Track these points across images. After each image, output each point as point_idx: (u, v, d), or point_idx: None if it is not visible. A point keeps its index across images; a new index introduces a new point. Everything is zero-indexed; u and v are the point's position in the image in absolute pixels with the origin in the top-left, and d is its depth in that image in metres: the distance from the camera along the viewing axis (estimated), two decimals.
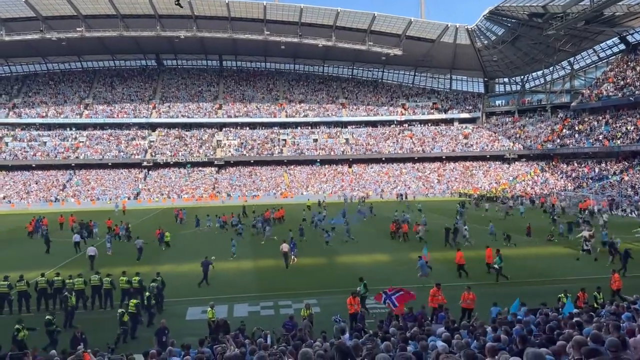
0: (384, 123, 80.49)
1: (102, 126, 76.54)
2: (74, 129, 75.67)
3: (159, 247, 30.48)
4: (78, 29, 65.29)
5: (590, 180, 55.34)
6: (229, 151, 73.86)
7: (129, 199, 63.57)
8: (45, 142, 72.55)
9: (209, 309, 15.39)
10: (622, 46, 65.48)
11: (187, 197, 64.81)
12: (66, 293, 17.24)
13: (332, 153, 74.40)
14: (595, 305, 14.84)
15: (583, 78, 72.62)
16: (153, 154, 72.09)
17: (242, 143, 75.07)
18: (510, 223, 37.21)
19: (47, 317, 14.68)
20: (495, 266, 21.07)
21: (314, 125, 79.81)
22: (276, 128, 78.68)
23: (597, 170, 57.05)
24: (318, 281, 21.67)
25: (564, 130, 65.77)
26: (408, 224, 33.02)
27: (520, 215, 42.77)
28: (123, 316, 15.04)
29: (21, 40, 66.87)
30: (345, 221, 35.50)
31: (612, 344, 4.48)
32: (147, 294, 17.28)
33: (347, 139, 76.96)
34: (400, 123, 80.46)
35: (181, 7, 40.73)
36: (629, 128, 55.69)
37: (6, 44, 67.67)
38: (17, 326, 13.49)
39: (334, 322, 14.09)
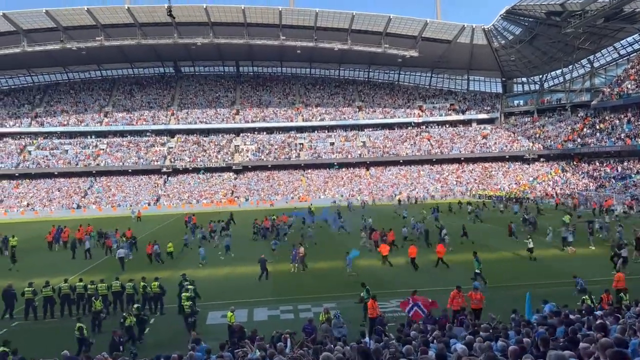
0: (401, 125, 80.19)
1: (121, 133, 77.64)
2: (94, 137, 76.91)
3: (154, 262, 28.37)
4: (97, 38, 66.42)
5: (613, 180, 54.35)
6: (247, 156, 74.28)
7: (149, 204, 64.39)
8: (66, 150, 73.84)
9: (229, 312, 15.38)
10: None
11: (206, 202, 65.32)
12: (92, 298, 17.47)
13: (349, 156, 74.33)
14: (621, 306, 14.56)
15: (603, 76, 71.44)
16: (172, 160, 72.86)
17: (259, 148, 75.46)
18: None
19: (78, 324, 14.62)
20: (477, 270, 20.55)
21: (331, 128, 79.86)
22: (293, 132, 78.93)
23: (619, 169, 56.02)
24: (337, 285, 21.62)
25: (585, 130, 64.76)
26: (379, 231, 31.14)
27: (514, 214, 42.73)
28: (125, 321, 14.99)
29: (42, 51, 68.26)
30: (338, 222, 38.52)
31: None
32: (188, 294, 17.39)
33: (364, 142, 76.84)
34: (418, 125, 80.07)
35: (173, 17, 41.83)
36: None
37: (28, 55, 69.14)
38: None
39: (335, 318, 14.60)
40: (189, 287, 17.83)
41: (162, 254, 28.92)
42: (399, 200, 60.49)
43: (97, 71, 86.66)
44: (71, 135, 76.93)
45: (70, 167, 71.10)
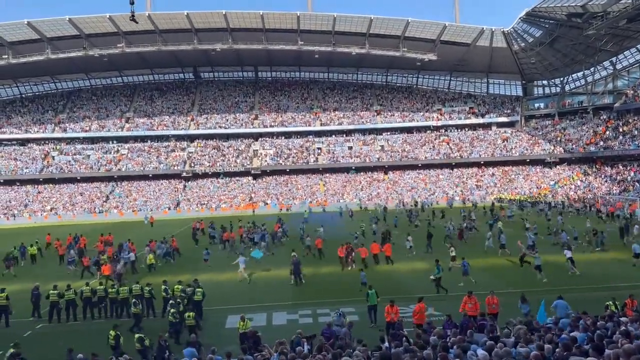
0: (419, 129, 79.78)
1: (142, 139, 78.68)
2: (115, 142, 78.10)
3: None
4: (119, 45, 67.51)
5: (637, 184, 53.28)
6: (265, 160, 74.66)
7: (169, 209, 65.09)
8: (89, 156, 75.09)
9: (240, 321, 15.08)
10: None
11: (225, 206, 65.76)
12: (134, 300, 17.89)
13: (367, 160, 74.18)
14: None
15: (626, 78, 70.17)
16: (192, 165, 73.58)
17: (277, 152, 75.79)
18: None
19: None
20: (432, 277, 20.09)
21: (349, 132, 79.84)
22: (311, 137, 79.09)
23: None
24: (356, 289, 21.54)
25: (607, 132, 63.69)
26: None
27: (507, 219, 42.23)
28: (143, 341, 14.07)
29: (66, 58, 69.63)
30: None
31: None
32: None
33: (382, 146, 76.62)
34: (437, 129, 79.59)
35: (136, 22, 42.86)
36: None
37: (52, 62, 70.57)
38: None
39: (335, 315, 15.11)
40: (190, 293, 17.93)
41: (135, 263, 27.65)
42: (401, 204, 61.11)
43: (118, 77, 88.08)
44: (93, 140, 78.25)
45: (92, 172, 72.29)
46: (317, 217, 48.82)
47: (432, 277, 20.21)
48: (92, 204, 67.36)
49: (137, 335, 14.19)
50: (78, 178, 72.18)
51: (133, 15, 41.06)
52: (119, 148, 76.89)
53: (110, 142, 78.17)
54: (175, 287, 19.50)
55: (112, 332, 14.27)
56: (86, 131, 77.85)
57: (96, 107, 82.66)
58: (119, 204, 67.67)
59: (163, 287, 19.23)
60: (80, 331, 17.65)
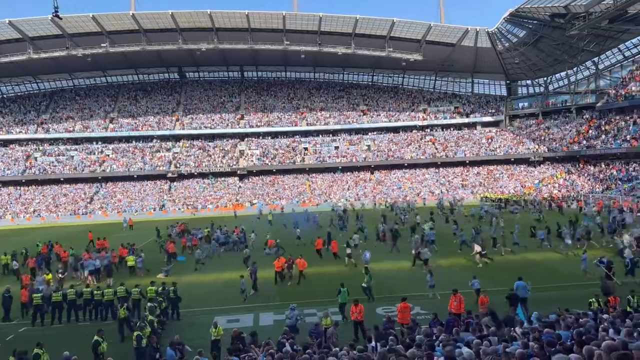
0: (405, 129, 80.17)
1: (127, 139, 77.99)
2: (100, 143, 77.30)
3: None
4: (102, 44, 66.84)
5: (619, 182, 54.08)
6: (252, 161, 74.45)
7: (154, 210, 64.61)
8: (72, 156, 74.23)
9: (212, 327, 14.44)
10: None
11: (211, 207, 65.43)
12: (118, 305, 17.54)
13: (353, 160, 74.34)
14: (629, 308, 14.50)
15: (608, 78, 71.19)
16: (177, 166, 73.10)
17: (264, 152, 75.61)
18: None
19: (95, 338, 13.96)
20: (364, 284, 19.48)
21: (335, 132, 79.94)
22: (297, 137, 79.04)
23: (625, 171, 55.74)
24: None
25: (590, 131, 64.54)
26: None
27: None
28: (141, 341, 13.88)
29: (48, 58, 68.78)
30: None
31: None
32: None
33: (368, 146, 76.85)
34: (422, 128, 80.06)
35: (60, 18, 42.76)
36: None
37: (34, 62, 69.66)
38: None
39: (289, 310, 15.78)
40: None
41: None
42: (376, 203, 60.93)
43: (102, 77, 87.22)
44: (77, 141, 77.35)
45: (76, 173, 71.45)
46: (288, 219, 45.43)
47: (364, 284, 19.42)
48: (76, 205, 66.59)
49: (135, 333, 14.06)
50: (61, 179, 71.30)
51: (56, 11, 40.60)
52: (103, 149, 76.11)
53: (94, 143, 77.34)
54: (149, 288, 19.34)
55: (136, 334, 14.08)
56: (69, 132, 76.94)
57: (80, 108, 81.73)
58: (103, 205, 66.98)
59: (153, 288, 19.19)
60: (64, 334, 17.43)
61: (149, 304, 17.08)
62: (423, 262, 24.25)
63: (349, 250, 26.95)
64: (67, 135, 76.76)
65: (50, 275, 23.22)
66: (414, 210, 49.57)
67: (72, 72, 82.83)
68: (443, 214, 46.49)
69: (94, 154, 75.17)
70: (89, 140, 77.61)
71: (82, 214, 64.20)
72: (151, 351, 13.30)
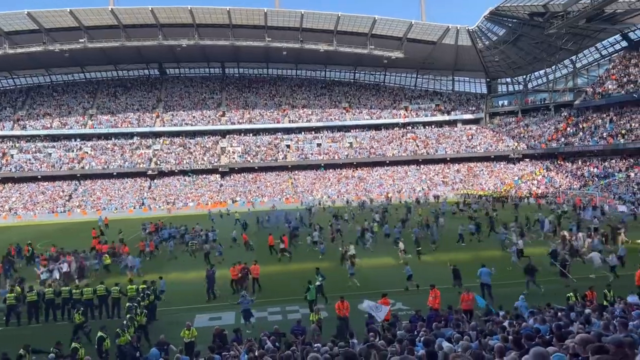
0: (387, 126, 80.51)
1: (106, 136, 76.91)
2: (78, 140, 76.08)
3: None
4: (80, 40, 65.74)
5: (596, 178, 55.08)
6: (233, 158, 74.02)
7: (134, 208, 63.87)
8: (50, 154, 72.93)
9: (185, 329, 14.24)
10: (624, 43, 65.31)
11: (192, 204, 64.92)
12: (74, 310, 16.81)
13: (336, 157, 74.41)
14: (605, 302, 14.79)
15: (586, 76, 72.41)
16: (157, 163, 72.34)
17: (246, 150, 75.25)
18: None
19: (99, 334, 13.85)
20: (316, 284, 19.06)
21: (318, 130, 79.90)
22: (279, 134, 78.82)
23: (602, 168, 56.80)
24: (326, 285, 21.56)
25: (568, 129, 65.56)
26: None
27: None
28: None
29: (24, 53, 67.36)
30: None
31: (616, 341, 4.47)
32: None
33: (350, 143, 76.99)
34: (404, 125, 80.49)
35: None
36: (633, 125, 55.49)
37: (10, 57, 68.22)
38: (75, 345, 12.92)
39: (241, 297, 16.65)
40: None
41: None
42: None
43: (80, 73, 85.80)
44: (54, 138, 76.00)
45: (54, 171, 70.23)
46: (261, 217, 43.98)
47: (317, 283, 19.25)
48: (54, 204, 65.49)
49: (99, 334, 13.87)
50: (39, 177, 70.00)
51: None
52: (82, 146, 74.92)
53: (73, 140, 76.11)
54: (129, 287, 19.15)
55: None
56: (47, 128, 75.59)
57: (57, 104, 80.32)
58: (82, 203, 65.98)
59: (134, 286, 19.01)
60: (41, 334, 17.15)
61: (127, 303, 16.90)
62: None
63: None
64: (45, 132, 75.39)
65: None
66: (385, 208, 49.32)
67: (49, 67, 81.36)
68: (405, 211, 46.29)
69: (73, 151, 73.96)
70: (67, 137, 76.32)
71: (61, 212, 63.16)
72: (131, 350, 13.15)
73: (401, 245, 26.30)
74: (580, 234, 26.67)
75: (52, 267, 24.46)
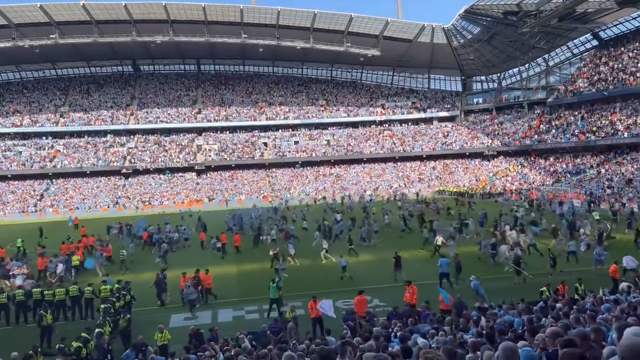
0: (364, 124, 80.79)
1: (79, 134, 75.41)
2: (50, 138, 74.41)
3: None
4: (52, 36, 64.33)
5: (568, 175, 56.25)
6: (210, 156, 73.37)
7: (108, 207, 62.83)
8: (20, 152, 71.19)
9: (158, 332, 13.80)
10: (594, 42, 66.75)
11: (168, 203, 64.17)
12: (41, 311, 16.08)
13: (313, 155, 74.39)
14: (577, 296, 15.12)
15: (558, 74, 73.83)
16: (132, 161, 71.27)
17: (222, 147, 74.66)
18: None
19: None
20: (272, 284, 18.77)
21: (295, 127, 79.74)
22: (256, 131, 78.41)
23: (574, 164, 58.02)
24: (302, 283, 21.58)
25: (541, 126, 66.77)
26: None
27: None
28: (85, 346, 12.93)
29: None
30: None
31: (581, 334, 4.57)
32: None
33: (328, 141, 77.04)
34: (381, 123, 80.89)
35: None
36: (603, 122, 56.80)
37: None
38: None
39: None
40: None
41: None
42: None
43: (51, 70, 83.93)
44: (25, 136, 74.17)
45: (24, 170, 68.57)
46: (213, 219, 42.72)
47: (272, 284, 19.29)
48: (25, 203, 63.99)
49: (96, 330, 13.55)
50: (9, 176, 68.24)
51: None
52: (54, 144, 73.32)
53: (44, 138, 74.39)
54: (102, 287, 18.85)
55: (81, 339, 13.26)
56: (17, 126, 73.75)
57: (28, 101, 78.42)
58: (54, 202, 64.62)
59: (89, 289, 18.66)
60: (11, 337, 16.76)
61: (102, 305, 16.57)
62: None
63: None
64: (14, 129, 73.54)
65: None
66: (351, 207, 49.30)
67: (19, 64, 79.34)
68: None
69: (44, 149, 72.34)
70: (38, 135, 74.56)
71: (32, 211, 61.76)
72: (101, 352, 12.91)
73: (325, 244, 26.82)
74: (513, 231, 27.49)
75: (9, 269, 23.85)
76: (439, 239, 25.81)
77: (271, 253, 25.24)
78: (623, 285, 15.03)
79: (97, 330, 13.50)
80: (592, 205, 40.91)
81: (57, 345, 12.31)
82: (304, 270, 24.49)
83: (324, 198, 61.55)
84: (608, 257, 20.70)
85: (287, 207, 54.42)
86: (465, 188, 63.23)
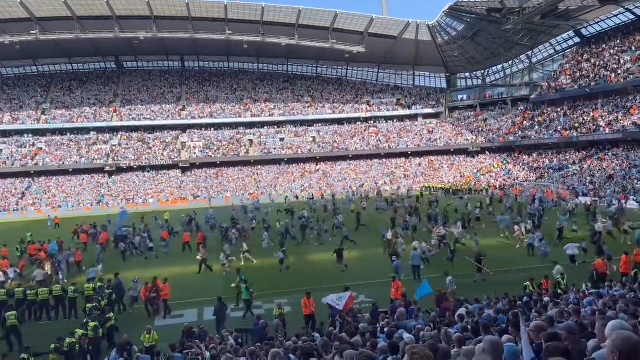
0: (349, 120, 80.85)
1: (61, 131, 74.33)
2: (31, 135, 73.24)
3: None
4: (32, 32, 63.26)
5: (551, 170, 56.91)
6: (194, 153, 72.88)
7: (91, 205, 62.13)
8: (1, 150, 69.99)
9: (145, 333, 13.70)
10: (577, 39, 67.51)
11: (152, 201, 63.65)
12: (6, 313, 15.69)
13: (299, 152, 74.28)
14: (560, 291, 15.30)
15: (541, 71, 74.58)
16: (115, 159, 70.52)
17: (207, 144, 74.19)
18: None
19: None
20: (233, 285, 19.24)
21: (280, 124, 79.51)
22: (242, 128, 78.03)
23: (557, 160, 58.71)
24: (288, 281, 21.57)
25: (525, 123, 67.42)
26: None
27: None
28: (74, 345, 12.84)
29: None
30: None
31: (569, 328, 4.60)
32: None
33: (313, 138, 76.98)
34: (366, 120, 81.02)
35: None
36: (585, 119, 57.52)
37: None
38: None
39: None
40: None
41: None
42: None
43: (32, 66, 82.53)
44: (5, 134, 72.85)
45: (5, 168, 67.40)
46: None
47: (233, 285, 19.46)
48: (6, 202, 62.98)
49: (92, 324, 13.43)
50: None
51: None
52: (35, 142, 72.19)
53: (25, 136, 73.20)
54: (86, 286, 18.65)
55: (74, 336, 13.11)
56: None
57: (8, 98, 77.06)
58: (36, 200, 63.71)
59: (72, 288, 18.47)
60: None
61: (88, 304, 16.40)
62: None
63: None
64: None
65: None
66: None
67: None
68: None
69: (25, 147, 71.21)
70: (19, 132, 73.29)
71: (14, 210, 60.82)
72: (81, 353, 12.75)
73: (265, 244, 27.25)
74: (459, 223, 28.57)
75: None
76: (389, 234, 26.14)
77: (199, 257, 24.42)
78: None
79: (80, 329, 13.37)
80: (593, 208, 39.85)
81: (54, 345, 12.16)
82: (294, 267, 24.44)
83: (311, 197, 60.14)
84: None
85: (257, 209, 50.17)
86: (450, 185, 63.67)
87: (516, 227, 27.44)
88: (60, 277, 23.19)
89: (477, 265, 20.40)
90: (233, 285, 19.32)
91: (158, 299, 18.14)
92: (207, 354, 10.42)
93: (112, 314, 15.70)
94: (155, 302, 18.21)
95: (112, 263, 26.45)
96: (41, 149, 71.03)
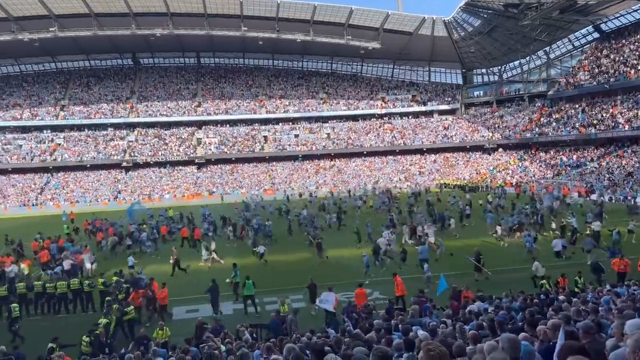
0: (364, 117, 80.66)
1: (79, 127, 75.35)
2: (50, 131, 74.37)
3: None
4: (51, 29, 64.13)
5: (569, 168, 56.19)
6: (210, 149, 73.33)
7: (109, 200, 62.86)
8: (20, 145, 71.16)
9: (158, 329, 13.60)
10: (596, 34, 66.47)
11: (168, 196, 64.20)
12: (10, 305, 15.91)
13: (313, 148, 74.32)
14: (577, 289, 15.15)
15: (559, 67, 73.59)
16: (132, 154, 71.25)
17: (222, 141, 74.59)
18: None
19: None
20: (227, 280, 19.21)
21: (295, 120, 79.62)
22: (257, 124, 78.30)
23: (575, 157, 57.93)
24: (303, 276, 21.57)
25: (542, 119, 66.63)
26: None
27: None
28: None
29: None
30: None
31: (587, 327, 4.56)
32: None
33: (328, 134, 76.96)
34: (381, 116, 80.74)
35: None
36: (604, 115, 56.65)
37: None
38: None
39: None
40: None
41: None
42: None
43: (51, 63, 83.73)
44: (25, 129, 74.09)
45: (25, 163, 68.58)
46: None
47: (227, 280, 19.39)
48: (25, 197, 64.04)
49: (104, 321, 13.66)
50: (9, 169, 68.25)
51: None
52: (54, 137, 73.29)
53: (44, 131, 74.35)
54: (99, 280, 18.86)
55: (85, 339, 13.02)
56: (17, 120, 73.66)
57: (28, 95, 78.27)
58: (55, 195, 64.67)
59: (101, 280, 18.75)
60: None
61: (107, 297, 16.65)
62: None
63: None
64: (15, 123, 73.44)
65: None
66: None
67: (18, 57, 79.13)
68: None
69: (44, 142, 72.32)
70: (39, 128, 74.50)
71: (33, 205, 61.82)
72: (99, 346, 12.90)
73: (213, 245, 26.64)
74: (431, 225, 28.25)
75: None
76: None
77: (171, 260, 23.85)
78: None
79: (103, 321, 13.59)
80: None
81: (89, 337, 12.66)
82: (304, 263, 24.49)
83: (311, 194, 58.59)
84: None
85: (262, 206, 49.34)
86: (466, 181, 63.22)
87: (498, 227, 27.30)
88: (88, 267, 23.30)
89: (475, 264, 20.18)
90: (227, 280, 19.45)
91: (155, 301, 17.05)
92: (223, 347, 10.51)
93: (131, 307, 15.87)
94: (149, 306, 17.18)
95: (122, 258, 26.77)
96: (59, 144, 72.08)
